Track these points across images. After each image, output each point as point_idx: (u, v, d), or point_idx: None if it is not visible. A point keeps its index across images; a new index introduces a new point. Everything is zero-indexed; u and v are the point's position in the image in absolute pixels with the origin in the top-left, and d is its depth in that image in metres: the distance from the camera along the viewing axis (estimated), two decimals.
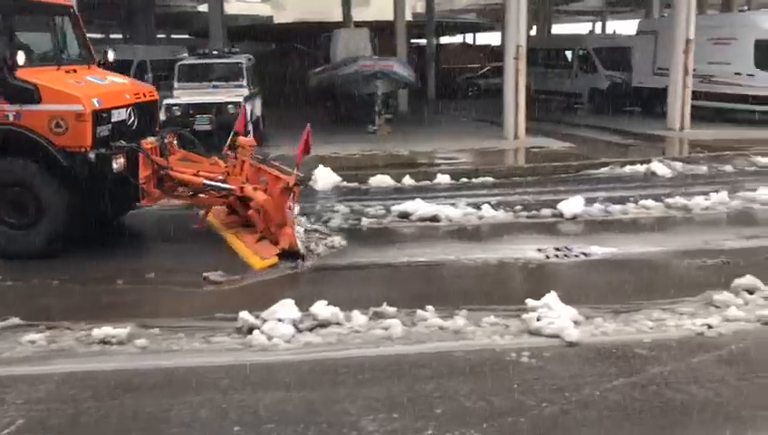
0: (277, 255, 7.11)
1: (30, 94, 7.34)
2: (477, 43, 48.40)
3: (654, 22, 22.89)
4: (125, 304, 6.08)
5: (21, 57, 7.35)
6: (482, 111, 21.04)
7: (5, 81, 7.32)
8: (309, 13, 33.96)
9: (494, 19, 42.77)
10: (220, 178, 7.86)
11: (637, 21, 25.30)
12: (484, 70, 32.99)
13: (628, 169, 12.19)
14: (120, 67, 10.06)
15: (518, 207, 9.26)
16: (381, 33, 22.01)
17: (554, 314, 5.20)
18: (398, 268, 6.98)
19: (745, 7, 30.41)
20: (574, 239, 7.83)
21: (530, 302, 5.41)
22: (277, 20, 36.33)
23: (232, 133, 8.64)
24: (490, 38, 48.68)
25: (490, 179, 11.54)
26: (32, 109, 7.36)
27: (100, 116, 7.48)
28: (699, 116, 17.80)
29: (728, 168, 12.28)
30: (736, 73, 18.18)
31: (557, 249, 7.40)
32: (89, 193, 7.41)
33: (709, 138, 15.61)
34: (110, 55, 8.93)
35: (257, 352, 4.96)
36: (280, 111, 18.32)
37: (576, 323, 5.20)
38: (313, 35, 25.02)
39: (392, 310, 5.46)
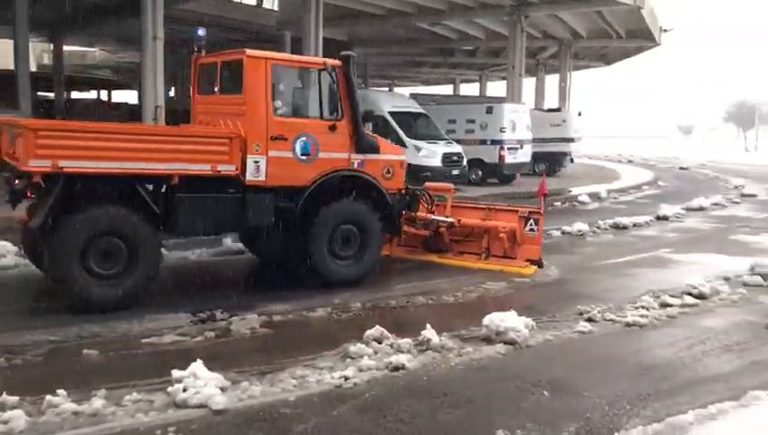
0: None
1: (374, 146, 9.16)
2: (114, 100, 46.47)
3: None
4: None
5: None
6: None
7: (360, 135, 8.90)
8: None
9: (131, 77, 41.68)
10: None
11: None
12: None
13: None
14: None
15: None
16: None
17: (201, 383, 5.06)
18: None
19: (363, 85, 34.47)
20: (218, 303, 7.79)
21: (175, 372, 5.20)
22: None
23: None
24: (127, 96, 47.14)
25: None
26: (372, 158, 9.13)
27: None
28: None
29: None
30: None
31: (203, 313, 7.29)
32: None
33: None
34: None
35: None
36: None
37: (223, 389, 5.14)
38: None
39: (14, 399, 4.76)
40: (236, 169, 8.03)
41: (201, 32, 9.10)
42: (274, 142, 8.31)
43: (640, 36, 29.57)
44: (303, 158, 8.53)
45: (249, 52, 8.38)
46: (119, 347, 6.28)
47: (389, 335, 6.39)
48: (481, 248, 10.44)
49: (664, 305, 8.13)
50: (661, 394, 5.47)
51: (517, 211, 10.41)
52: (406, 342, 6.27)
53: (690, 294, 8.56)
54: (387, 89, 44.82)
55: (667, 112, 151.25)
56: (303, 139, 8.53)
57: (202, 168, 7.86)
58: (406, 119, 20.38)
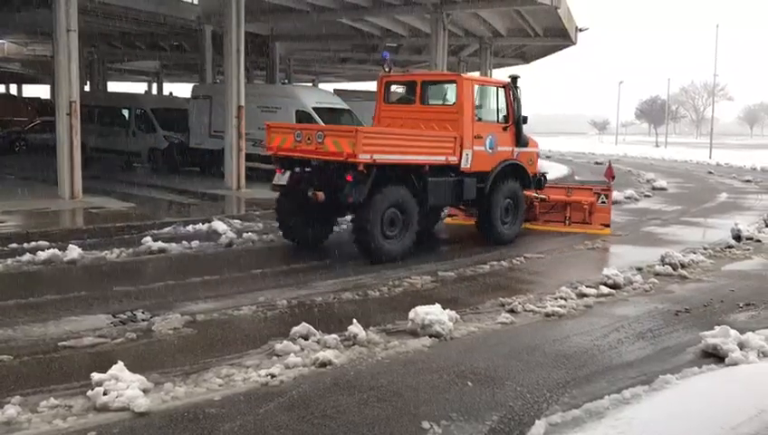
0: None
1: (526, 142, 12.63)
2: (24, 94, 44.51)
3: (208, 87, 24.06)
4: None
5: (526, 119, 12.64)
6: (32, 169, 19.24)
7: (520, 133, 12.45)
8: None
9: (43, 71, 39.94)
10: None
11: (191, 84, 26.30)
12: (34, 124, 30.43)
13: (190, 227, 12.43)
14: None
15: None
16: None
17: (122, 386, 4.94)
18: None
19: (286, 80, 34.17)
20: (139, 304, 7.60)
21: (95, 376, 5.05)
22: None
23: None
24: (39, 90, 45.23)
25: (45, 243, 10.54)
26: (524, 150, 12.63)
27: None
28: (254, 176, 19.22)
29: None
30: None
31: (123, 314, 7.10)
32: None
33: (263, 196, 16.92)
34: None
35: None
36: None
37: (146, 391, 5.03)
38: None
39: None
40: (457, 160, 11.33)
41: (387, 54, 12.63)
42: (476, 140, 11.66)
43: (557, 35, 30.36)
44: (490, 151, 11.97)
45: (463, 75, 12.11)
46: (34, 351, 6.04)
47: (316, 332, 6.40)
48: (561, 217, 14.10)
49: (581, 296, 8.45)
50: (579, 381, 5.69)
51: (591, 189, 14.37)
52: (332, 338, 6.29)
53: (605, 284, 8.91)
54: (311, 84, 44.53)
55: (585, 109, 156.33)
56: (490, 137, 11.95)
57: (440, 159, 11.18)
58: (330, 114, 20.29)
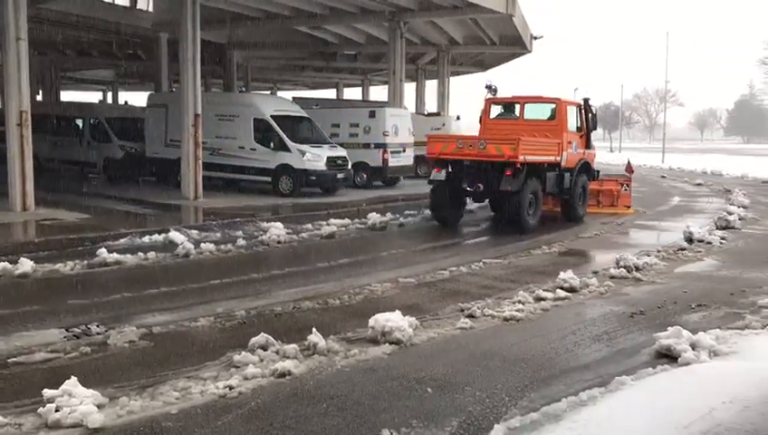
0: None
1: (591, 145, 17.33)
2: None
3: (164, 96, 23.74)
4: None
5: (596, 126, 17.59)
6: None
7: (589, 139, 17.12)
8: None
9: None
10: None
11: (147, 93, 25.95)
12: None
13: (147, 238, 12.23)
14: None
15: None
16: None
17: (75, 402, 4.82)
18: None
19: (243, 88, 33.90)
20: (94, 317, 7.44)
21: (47, 392, 4.93)
22: None
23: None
24: None
25: None
26: (588, 151, 17.10)
27: None
28: (212, 186, 19.03)
29: (239, 232, 13.29)
30: (240, 147, 20.04)
31: (77, 328, 6.94)
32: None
33: (221, 206, 16.77)
34: None
35: None
36: None
37: (100, 406, 4.92)
38: None
39: None
40: (559, 159, 15.50)
41: (493, 84, 16.93)
42: (568, 145, 15.82)
43: (513, 43, 30.79)
44: (573, 152, 16.18)
45: (561, 98, 16.32)
46: None
47: (275, 342, 6.35)
48: (594, 202, 18.31)
49: (538, 299, 8.55)
50: (537, 384, 5.75)
51: (616, 180, 19.30)
52: (292, 347, 6.25)
53: (562, 287, 9.04)
54: (269, 92, 44.29)
55: None
56: (574, 142, 16.23)
57: (550, 158, 15.37)
58: (289, 122, 20.22)
